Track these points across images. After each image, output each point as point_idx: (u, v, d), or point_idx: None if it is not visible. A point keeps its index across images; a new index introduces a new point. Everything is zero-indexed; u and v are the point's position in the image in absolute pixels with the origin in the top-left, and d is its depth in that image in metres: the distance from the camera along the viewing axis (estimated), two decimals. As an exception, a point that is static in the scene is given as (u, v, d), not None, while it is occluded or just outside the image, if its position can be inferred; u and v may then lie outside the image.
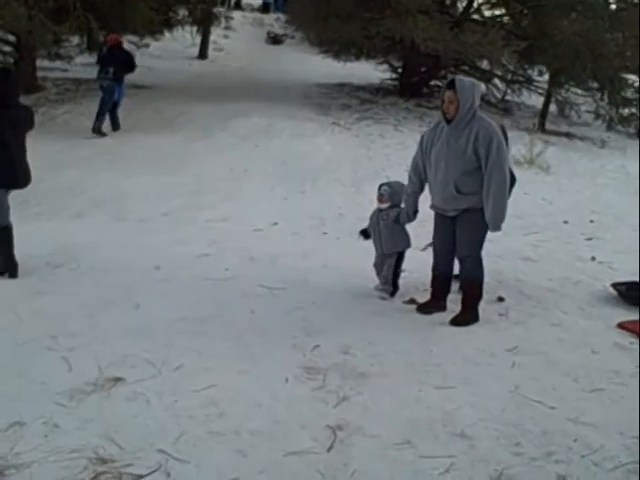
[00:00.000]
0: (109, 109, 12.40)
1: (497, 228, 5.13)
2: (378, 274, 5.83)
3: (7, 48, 14.08)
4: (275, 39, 26.46)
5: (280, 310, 5.32)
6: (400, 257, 5.82)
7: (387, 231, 5.72)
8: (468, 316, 5.26)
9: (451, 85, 5.03)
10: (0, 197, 5.81)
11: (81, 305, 5.21)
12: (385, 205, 5.72)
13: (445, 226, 5.30)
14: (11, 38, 13.99)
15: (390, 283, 5.73)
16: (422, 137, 5.38)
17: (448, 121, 5.06)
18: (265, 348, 4.62)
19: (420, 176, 5.38)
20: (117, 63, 12.40)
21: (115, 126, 12.49)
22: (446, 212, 5.23)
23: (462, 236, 5.24)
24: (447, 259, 5.42)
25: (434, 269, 5.50)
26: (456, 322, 5.21)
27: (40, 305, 5.19)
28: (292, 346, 4.69)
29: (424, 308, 5.44)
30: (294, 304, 5.43)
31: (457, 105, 4.98)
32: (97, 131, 12.13)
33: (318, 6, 16.20)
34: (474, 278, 5.33)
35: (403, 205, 5.65)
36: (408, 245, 5.85)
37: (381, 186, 5.86)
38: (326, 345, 4.69)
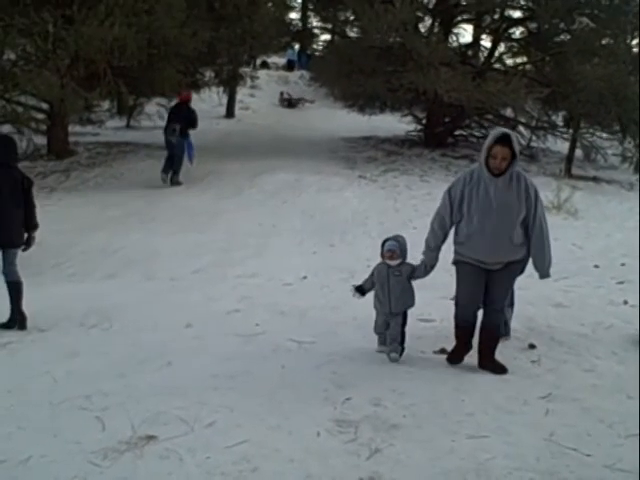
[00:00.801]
0: (172, 161, 13.22)
1: (549, 274, 5.25)
2: (380, 334, 5.57)
3: (40, 115, 14.49)
4: (290, 102, 25.64)
5: (310, 364, 5.34)
6: (405, 315, 5.60)
7: (399, 288, 5.49)
8: (498, 362, 5.25)
9: (504, 140, 4.94)
10: None
11: (114, 364, 5.28)
12: (396, 262, 5.52)
13: (479, 278, 5.23)
14: (44, 105, 14.41)
15: (399, 342, 5.47)
16: (450, 191, 5.21)
17: (495, 175, 4.99)
18: (296, 402, 4.63)
19: (445, 230, 5.33)
20: (182, 120, 13.19)
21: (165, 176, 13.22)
22: (488, 265, 5.15)
23: (500, 288, 5.23)
24: (474, 309, 5.38)
25: (462, 320, 5.39)
26: (495, 369, 5.20)
27: (74, 366, 5.27)
28: (323, 399, 4.69)
29: (454, 359, 5.41)
30: (324, 357, 5.44)
31: (510, 160, 4.95)
32: (176, 183, 13.00)
33: (341, 62, 16.52)
34: (498, 325, 5.36)
35: (411, 259, 5.62)
36: (414, 302, 5.64)
37: (386, 241, 5.67)
38: (357, 397, 4.68)
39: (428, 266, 5.49)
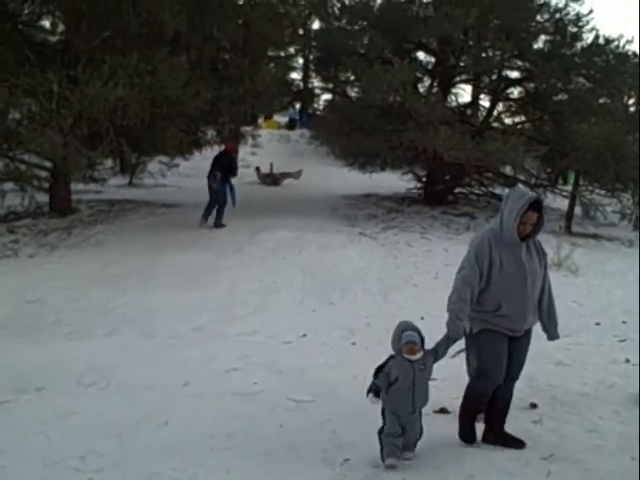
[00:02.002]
0: (213, 206, 14.23)
1: (558, 336, 5.14)
2: (395, 442, 4.62)
3: (43, 173, 14.60)
4: (271, 178, 22.09)
5: (309, 423, 5.27)
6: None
7: (424, 383, 4.78)
8: (514, 436, 4.97)
9: (537, 205, 4.79)
10: None
11: (110, 424, 5.22)
12: (419, 355, 4.75)
13: (505, 348, 4.92)
14: (47, 163, 14.53)
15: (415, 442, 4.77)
16: (477, 257, 4.82)
17: (522, 239, 4.82)
18: (294, 463, 4.57)
19: (474, 299, 4.89)
20: (222, 167, 14.33)
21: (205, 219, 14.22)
22: (515, 332, 4.92)
23: (522, 355, 5.03)
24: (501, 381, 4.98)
25: (486, 394, 4.95)
26: (513, 443, 4.89)
27: (70, 425, 5.21)
28: (322, 460, 4.63)
29: (471, 437, 5.04)
30: (323, 417, 5.38)
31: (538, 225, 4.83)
32: (220, 226, 14.02)
33: (341, 121, 16.75)
34: (511, 396, 5.12)
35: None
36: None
37: (403, 331, 4.80)
38: (356, 458, 4.62)
39: (453, 339, 4.88)
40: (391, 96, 14.92)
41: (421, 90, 17.27)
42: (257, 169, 22.43)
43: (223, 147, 15.70)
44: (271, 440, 4.94)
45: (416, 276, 10.67)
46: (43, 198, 14.88)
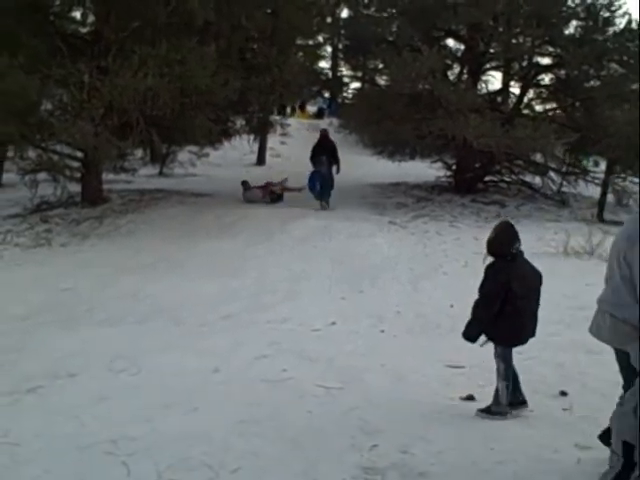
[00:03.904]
0: (328, 189, 15.08)
1: None
2: None
3: (75, 164, 14.76)
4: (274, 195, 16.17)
5: (337, 410, 5.30)
6: None
7: None
8: None
9: None
10: None
11: (141, 409, 5.28)
12: None
13: None
14: (78, 154, 14.69)
15: None
16: None
17: None
18: (323, 449, 4.59)
19: None
20: (328, 151, 15.29)
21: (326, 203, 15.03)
22: None
23: None
24: None
25: None
26: None
27: (102, 410, 5.28)
28: (350, 446, 4.64)
29: None
30: (351, 404, 5.40)
31: None
32: (327, 207, 14.88)
33: (370, 110, 16.68)
34: None
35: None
36: None
37: None
38: (384, 444, 4.63)
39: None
40: (420, 84, 14.85)
41: (450, 77, 17.14)
42: (244, 183, 16.46)
43: (321, 133, 16.45)
44: (300, 426, 4.98)
45: (446, 264, 10.63)
46: (75, 188, 15.05)
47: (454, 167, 17.85)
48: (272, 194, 16.01)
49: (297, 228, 12.64)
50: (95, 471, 4.23)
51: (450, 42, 18.23)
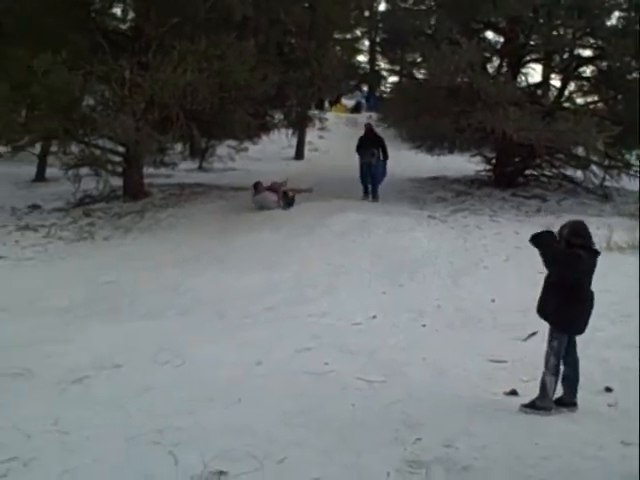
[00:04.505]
0: (377, 182, 15.19)
1: None
2: None
3: (117, 158, 14.96)
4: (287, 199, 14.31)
5: (380, 403, 5.31)
6: None
7: None
8: None
9: None
10: None
11: (185, 400, 5.35)
12: None
13: None
14: (120, 148, 14.88)
15: None
16: None
17: None
18: (366, 441, 4.61)
19: None
20: (377, 145, 15.35)
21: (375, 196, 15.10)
22: None
23: None
24: None
25: None
26: None
27: (147, 401, 5.37)
28: (394, 439, 4.66)
29: None
30: (394, 397, 5.41)
31: None
32: (376, 199, 14.94)
33: (408, 103, 16.60)
34: None
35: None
36: None
37: None
38: (428, 438, 4.64)
39: None
40: (459, 77, 14.71)
41: (490, 70, 16.93)
42: (257, 186, 14.53)
43: (366, 127, 16.34)
44: (343, 418, 5.00)
45: (486, 259, 10.54)
46: (117, 182, 15.25)
47: (493, 161, 17.66)
48: (286, 197, 14.33)
49: (337, 222, 12.63)
50: (143, 460, 4.30)
51: (489, 34, 18.05)
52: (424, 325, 7.88)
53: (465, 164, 18.15)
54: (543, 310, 5.27)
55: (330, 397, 5.45)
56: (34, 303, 8.97)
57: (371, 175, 15.26)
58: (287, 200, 14.27)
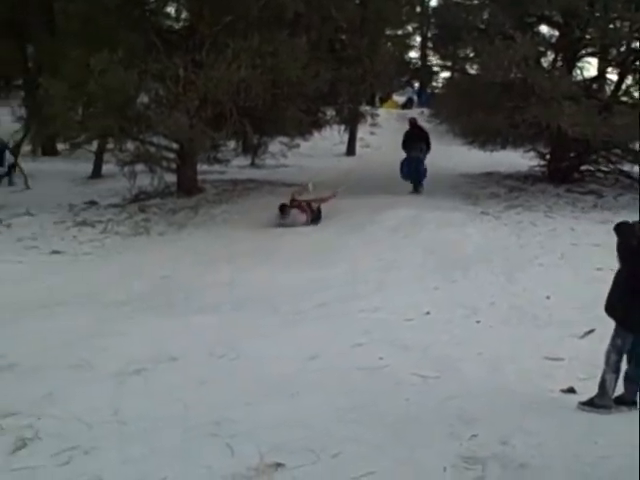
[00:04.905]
0: (423, 175, 15.52)
1: None
2: None
3: (171, 155, 15.17)
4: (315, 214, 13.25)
5: (435, 399, 5.30)
6: None
7: None
8: None
9: None
10: None
11: (241, 393, 5.42)
12: None
13: None
14: (174, 145, 15.08)
15: None
16: None
17: None
18: (421, 436, 4.61)
19: None
20: (423, 139, 15.69)
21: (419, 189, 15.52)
22: None
23: None
24: None
25: None
26: None
27: (203, 393, 5.46)
28: (449, 435, 4.64)
29: None
30: (449, 393, 5.39)
31: None
32: (419, 192, 15.34)
33: (461, 99, 16.49)
34: None
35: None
36: None
37: None
38: (484, 435, 4.61)
39: None
40: (513, 72, 14.55)
41: (544, 65, 16.71)
42: (282, 208, 13.25)
43: (410, 122, 16.61)
44: (397, 413, 5.01)
45: (541, 256, 10.38)
46: (171, 178, 15.47)
47: (548, 156, 17.43)
48: (313, 212, 13.21)
49: (387, 218, 12.61)
50: (200, 451, 4.37)
51: (544, 28, 17.80)
52: (478, 321, 7.80)
53: (518, 159, 17.94)
54: (611, 308, 5.15)
55: (384, 392, 5.45)
56: (92, 297, 9.16)
57: (417, 169, 15.44)
58: (316, 215, 13.18)
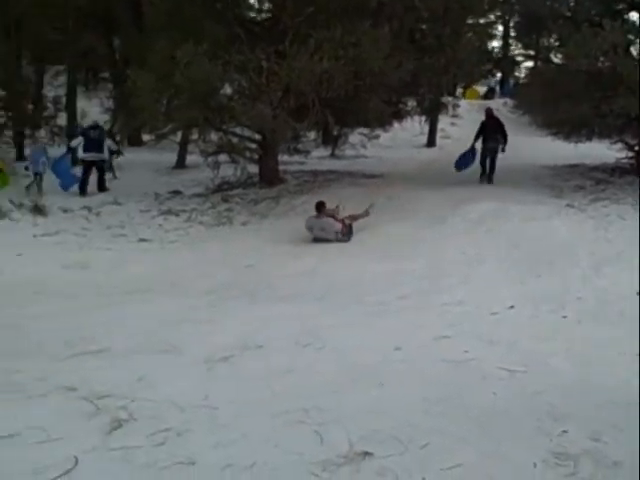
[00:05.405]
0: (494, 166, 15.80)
1: None
2: None
3: (253, 145, 15.40)
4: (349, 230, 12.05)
5: (522, 393, 5.23)
6: None
7: None
8: None
9: None
10: None
11: (327, 382, 5.46)
12: None
13: None
14: (257, 136, 15.29)
15: None
16: None
17: None
18: (509, 431, 4.55)
19: None
20: (500, 130, 15.94)
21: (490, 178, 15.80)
22: None
23: None
24: None
25: None
26: None
27: (290, 381, 5.51)
28: (537, 430, 4.57)
29: None
30: (537, 387, 5.31)
31: None
32: (491, 181, 15.62)
33: (545, 89, 16.16)
34: None
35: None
36: None
37: None
38: (574, 431, 4.52)
39: None
40: (600, 61, 14.19)
41: (634, 53, 16.21)
42: (320, 206, 12.30)
43: (487, 113, 16.81)
44: (485, 407, 4.96)
45: (630, 250, 10.11)
46: (253, 169, 15.68)
47: (637, 148, 16.93)
48: (346, 227, 12.05)
49: (470, 211, 12.49)
50: (289, 438, 4.42)
51: (634, 15, 17.27)
52: (565, 316, 7.67)
53: (605, 151, 17.47)
54: None
55: (470, 385, 5.41)
56: (178, 284, 9.40)
57: (491, 160, 15.72)
58: (348, 230, 12.07)
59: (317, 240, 11.61)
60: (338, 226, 11.81)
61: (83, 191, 15.95)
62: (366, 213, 12.55)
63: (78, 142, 16.55)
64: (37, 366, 5.73)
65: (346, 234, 11.89)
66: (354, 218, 12.29)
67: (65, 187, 16.27)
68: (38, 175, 16.26)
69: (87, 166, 16.32)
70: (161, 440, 4.38)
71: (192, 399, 5.08)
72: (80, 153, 16.56)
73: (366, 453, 4.15)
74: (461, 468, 4.00)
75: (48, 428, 4.35)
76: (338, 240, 11.68)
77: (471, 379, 5.57)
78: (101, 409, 4.89)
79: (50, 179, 16.34)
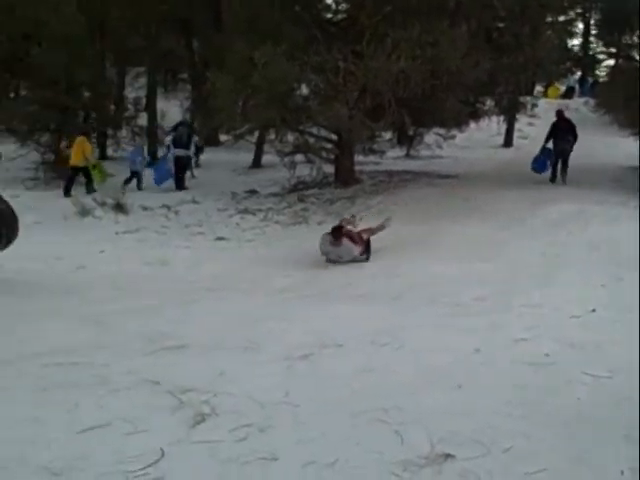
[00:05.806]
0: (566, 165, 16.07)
1: None
2: None
3: (329, 145, 15.49)
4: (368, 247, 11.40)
5: (608, 399, 5.10)
6: None
7: None
8: None
9: None
10: None
11: (406, 382, 5.43)
12: None
13: None
14: (333, 136, 15.36)
15: None
16: None
17: None
18: (595, 437, 4.46)
19: None
20: (571, 131, 16.07)
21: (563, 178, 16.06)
22: None
23: None
24: None
25: None
26: None
27: (369, 380, 5.51)
28: (624, 437, 4.45)
29: None
30: (623, 394, 5.17)
31: None
32: (564, 181, 15.75)
33: (628, 87, 15.78)
34: None
35: None
36: None
37: None
38: (663, 439, 4.40)
39: None
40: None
41: None
42: (337, 232, 11.08)
43: (557, 114, 16.97)
44: (569, 412, 4.86)
45: None
46: (329, 169, 15.76)
47: None
48: (363, 244, 11.30)
49: (549, 212, 12.29)
50: (369, 437, 4.43)
51: None
52: (649, 321, 7.45)
53: (690, 151, 16.89)
54: None
55: (553, 389, 5.31)
56: (255, 282, 9.52)
57: (564, 161, 15.86)
58: (365, 248, 11.30)
59: (392, 240, 11.54)
60: (356, 251, 11.04)
61: (179, 186, 16.50)
62: (382, 226, 11.94)
63: (170, 139, 17.21)
64: (122, 360, 5.89)
65: (364, 252, 11.18)
66: (371, 232, 11.62)
67: (159, 182, 16.80)
68: (137, 174, 16.81)
69: (177, 161, 16.87)
70: (243, 435, 4.45)
71: (273, 396, 5.13)
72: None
73: (447, 455, 4.12)
74: (545, 473, 3.94)
75: (135, 420, 4.48)
76: (355, 261, 10.97)
77: (554, 383, 5.47)
78: (184, 403, 5.00)
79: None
